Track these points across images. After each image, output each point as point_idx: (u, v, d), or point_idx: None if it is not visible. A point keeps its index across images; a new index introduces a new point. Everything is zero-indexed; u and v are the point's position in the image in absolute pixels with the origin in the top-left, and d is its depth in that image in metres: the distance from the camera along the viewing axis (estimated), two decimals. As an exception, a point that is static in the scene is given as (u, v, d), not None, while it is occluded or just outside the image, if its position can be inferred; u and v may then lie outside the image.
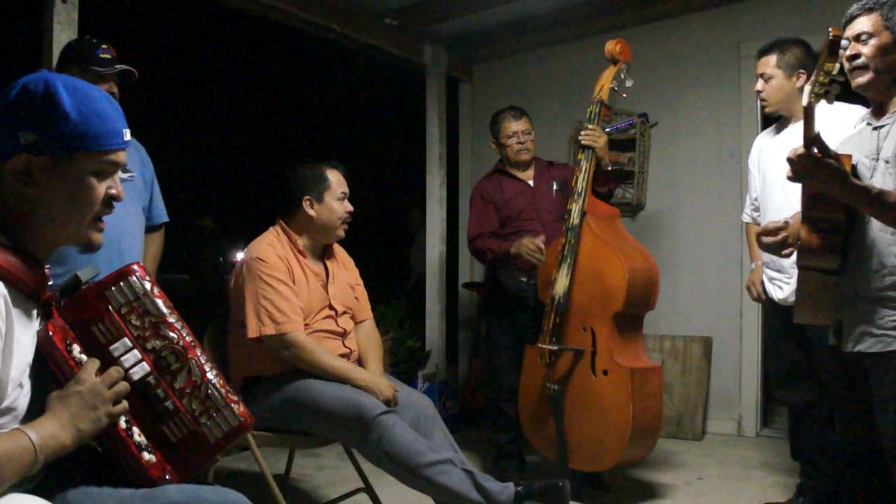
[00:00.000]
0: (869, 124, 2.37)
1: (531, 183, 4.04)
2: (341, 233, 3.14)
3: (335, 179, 3.10)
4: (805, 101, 2.15)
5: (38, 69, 1.46)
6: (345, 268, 3.23)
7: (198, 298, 8.00)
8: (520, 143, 3.99)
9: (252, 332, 2.86)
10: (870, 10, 2.25)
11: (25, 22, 4.14)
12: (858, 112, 2.68)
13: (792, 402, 3.49)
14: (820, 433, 3.33)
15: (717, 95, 5.05)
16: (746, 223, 3.74)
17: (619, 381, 3.34)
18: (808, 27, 4.40)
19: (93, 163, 1.46)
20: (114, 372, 1.51)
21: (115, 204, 1.55)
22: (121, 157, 1.51)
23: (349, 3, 4.62)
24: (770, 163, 3.40)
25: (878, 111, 2.35)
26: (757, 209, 3.54)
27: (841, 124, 2.76)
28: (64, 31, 3.17)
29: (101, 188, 1.49)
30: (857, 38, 2.27)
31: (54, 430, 1.41)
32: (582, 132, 3.63)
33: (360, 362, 3.10)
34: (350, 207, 3.13)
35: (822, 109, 3.20)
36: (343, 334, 3.06)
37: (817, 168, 2.10)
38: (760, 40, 4.83)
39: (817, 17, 4.51)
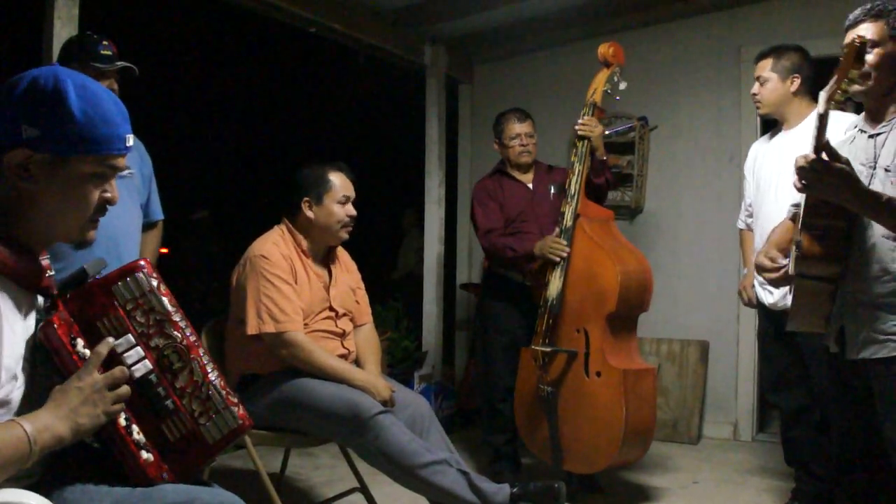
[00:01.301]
0: (863, 131, 2.36)
1: (530, 185, 4.04)
2: (343, 235, 3.10)
3: (338, 182, 3.06)
4: (821, 108, 2.11)
5: (38, 65, 1.47)
6: (347, 271, 3.22)
7: (194, 293, 7.98)
8: (522, 145, 3.99)
9: (252, 328, 2.85)
10: (876, 18, 2.23)
11: (26, 18, 4.13)
12: (847, 119, 2.67)
13: (783, 407, 3.49)
14: (813, 438, 3.34)
15: (717, 99, 5.06)
16: (741, 229, 3.75)
17: (612, 382, 3.34)
18: (809, 32, 4.42)
19: (92, 166, 1.45)
20: (118, 372, 1.50)
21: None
22: (120, 162, 1.50)
23: (350, 3, 4.62)
24: (763, 168, 3.41)
25: (873, 118, 2.33)
26: (751, 215, 3.55)
27: (831, 132, 2.76)
28: (64, 26, 3.17)
29: (96, 193, 1.48)
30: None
31: (50, 422, 1.40)
32: (578, 122, 3.65)
33: (358, 364, 3.09)
34: (352, 211, 3.08)
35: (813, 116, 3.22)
36: (342, 335, 3.06)
37: (828, 174, 2.07)
38: (761, 45, 4.82)
39: (818, 21, 4.52)
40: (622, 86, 3.70)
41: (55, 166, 1.42)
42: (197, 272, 8.18)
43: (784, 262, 2.42)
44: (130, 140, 1.52)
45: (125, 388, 1.50)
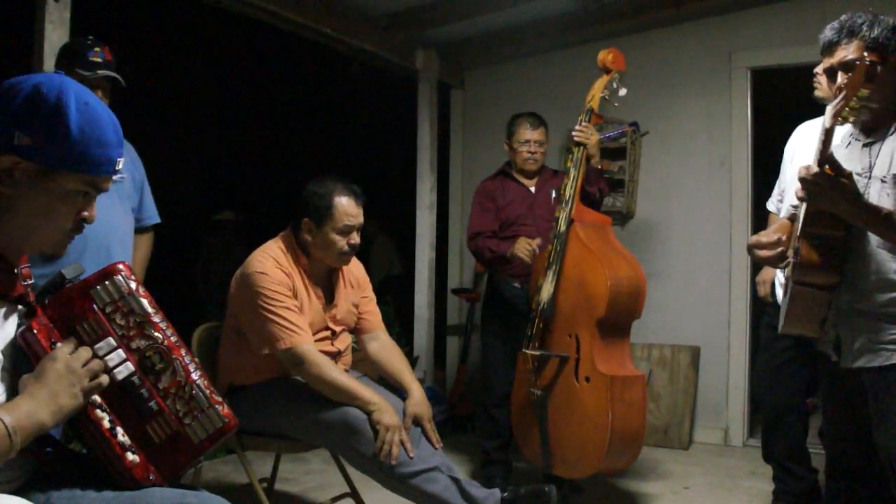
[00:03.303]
0: (857, 140, 2.36)
1: (532, 189, 4.06)
2: (340, 265, 2.95)
3: (342, 209, 2.82)
4: (827, 122, 2.12)
5: (29, 69, 1.47)
6: (351, 286, 3.07)
7: (216, 293, 7.90)
8: (531, 152, 4.00)
9: (263, 348, 2.75)
10: (850, 36, 2.23)
11: (18, 21, 4.12)
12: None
13: (769, 404, 3.49)
14: (794, 437, 3.37)
15: (707, 105, 5.07)
16: (770, 212, 3.60)
17: (600, 388, 3.30)
18: (800, 38, 4.44)
19: (77, 183, 1.44)
20: (83, 352, 1.48)
21: (104, 203, 1.55)
22: (106, 184, 1.50)
23: (342, 7, 4.62)
24: (805, 154, 3.30)
25: (868, 129, 2.34)
26: (783, 200, 3.47)
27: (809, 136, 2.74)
28: (56, 30, 3.17)
29: (75, 210, 1.47)
30: (844, 69, 2.24)
31: (30, 409, 1.36)
32: (575, 129, 3.64)
33: (389, 374, 3.05)
34: (355, 240, 2.86)
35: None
36: (338, 354, 2.97)
37: (831, 187, 2.09)
38: (752, 50, 4.90)
39: (809, 27, 4.51)
40: (622, 92, 3.67)
41: (41, 177, 1.41)
42: (221, 273, 8.11)
43: (783, 241, 2.39)
44: (119, 164, 1.51)
45: (97, 363, 1.48)
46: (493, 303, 4.12)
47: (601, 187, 3.87)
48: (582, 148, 3.60)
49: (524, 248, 3.72)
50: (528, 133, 4.00)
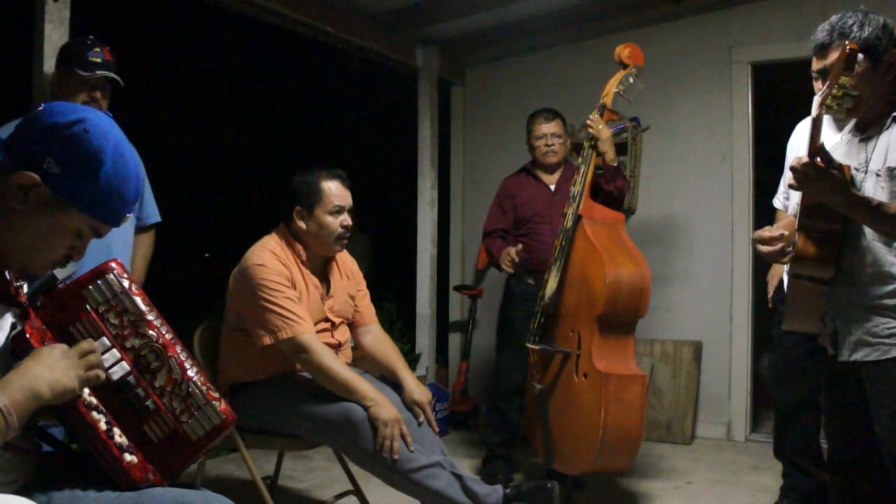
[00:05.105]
0: (855, 136, 2.37)
1: (552, 187, 4.06)
2: (337, 248, 2.97)
3: (330, 191, 2.90)
4: (814, 112, 2.14)
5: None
6: (346, 277, 3.11)
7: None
8: (548, 145, 4.02)
9: (265, 339, 2.74)
10: (841, 38, 2.22)
11: (18, 20, 4.13)
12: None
13: (782, 400, 3.49)
14: (806, 434, 3.36)
15: (708, 100, 5.06)
16: (777, 209, 3.56)
17: (595, 385, 3.28)
18: (800, 32, 4.42)
19: (82, 224, 1.49)
20: (85, 344, 1.49)
21: None
22: (105, 232, 1.54)
23: (342, 5, 4.62)
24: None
25: (864, 126, 2.34)
26: (789, 197, 3.45)
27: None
28: (56, 30, 3.16)
29: (68, 246, 1.50)
30: None
31: (24, 383, 1.35)
32: (587, 121, 3.63)
33: (383, 368, 3.07)
34: (347, 222, 2.93)
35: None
36: (338, 346, 2.99)
37: (821, 178, 2.10)
38: (752, 45, 4.89)
39: (808, 22, 4.49)
40: (639, 87, 3.66)
41: (52, 207, 1.44)
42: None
43: (784, 237, 2.39)
44: (126, 218, 1.55)
45: (94, 356, 1.48)
46: (507, 299, 4.16)
47: (619, 185, 3.84)
48: (591, 142, 3.59)
49: (504, 258, 3.86)
50: (544, 127, 4.02)
